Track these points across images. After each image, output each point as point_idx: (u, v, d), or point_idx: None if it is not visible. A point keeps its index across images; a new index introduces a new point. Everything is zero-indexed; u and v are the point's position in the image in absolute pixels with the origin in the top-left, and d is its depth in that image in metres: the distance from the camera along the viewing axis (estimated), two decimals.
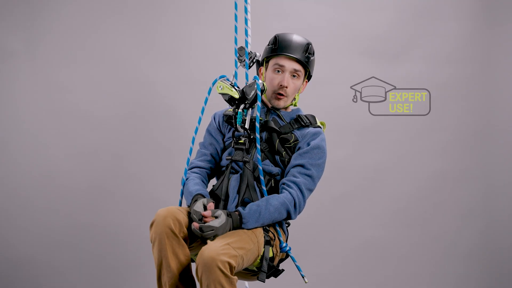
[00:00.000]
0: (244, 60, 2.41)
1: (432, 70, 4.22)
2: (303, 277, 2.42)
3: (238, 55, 2.43)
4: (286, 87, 2.41)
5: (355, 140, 4.23)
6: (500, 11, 4.23)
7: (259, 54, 2.49)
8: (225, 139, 2.50)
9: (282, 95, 2.43)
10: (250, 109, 2.35)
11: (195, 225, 2.14)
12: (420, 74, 4.21)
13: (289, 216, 2.33)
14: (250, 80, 2.35)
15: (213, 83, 2.41)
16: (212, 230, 2.13)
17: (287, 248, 2.37)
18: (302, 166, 2.35)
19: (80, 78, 4.09)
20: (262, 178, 2.31)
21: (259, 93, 2.29)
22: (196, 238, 2.27)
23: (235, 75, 2.48)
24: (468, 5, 4.24)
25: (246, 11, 2.40)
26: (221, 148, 2.50)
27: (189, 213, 2.24)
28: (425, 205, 4.24)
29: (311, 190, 2.38)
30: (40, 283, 4.00)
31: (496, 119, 4.26)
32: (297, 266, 2.43)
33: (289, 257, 2.43)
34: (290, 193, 2.31)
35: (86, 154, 4.08)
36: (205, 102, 2.48)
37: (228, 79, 2.36)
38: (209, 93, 2.46)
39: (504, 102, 4.24)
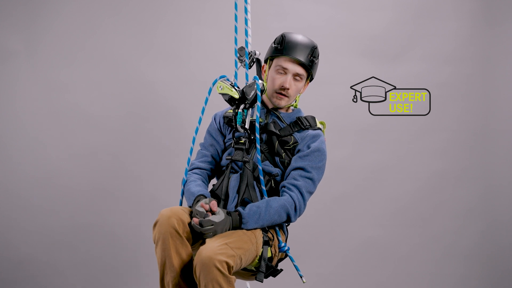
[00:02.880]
0: (244, 60, 2.40)
1: (432, 70, 4.22)
2: (301, 277, 2.43)
3: (238, 55, 2.43)
4: (288, 89, 2.41)
5: (355, 140, 4.23)
6: (500, 11, 4.23)
7: (259, 52, 2.48)
8: (225, 140, 2.50)
9: (283, 95, 2.43)
10: (250, 109, 2.35)
11: (195, 220, 2.14)
12: (420, 74, 4.21)
13: (289, 219, 2.33)
14: (250, 80, 2.35)
15: (213, 83, 2.41)
16: (212, 225, 2.13)
17: (286, 248, 2.37)
18: (302, 169, 2.35)
19: (80, 78, 4.09)
20: (261, 178, 2.31)
21: (259, 93, 2.29)
22: (198, 238, 2.27)
23: (235, 75, 2.48)
24: (468, 5, 4.24)
25: (246, 11, 2.40)
26: (222, 149, 2.50)
27: (191, 213, 2.25)
28: (425, 205, 4.24)
29: (311, 193, 2.38)
30: (40, 283, 4.00)
31: (496, 119, 4.25)
32: (295, 266, 2.43)
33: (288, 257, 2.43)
34: (290, 196, 2.31)
35: (86, 154, 4.08)
36: (206, 102, 2.48)
37: (228, 79, 2.36)
38: (209, 93, 2.45)
39: (504, 102, 4.24)
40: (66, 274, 4.03)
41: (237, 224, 2.22)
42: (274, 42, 2.46)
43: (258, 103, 2.28)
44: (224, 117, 2.44)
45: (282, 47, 2.40)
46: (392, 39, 4.21)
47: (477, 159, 4.26)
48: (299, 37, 2.42)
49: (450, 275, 4.22)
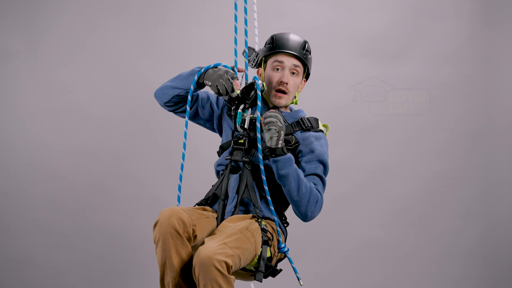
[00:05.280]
0: (245, 61, 2.41)
1: (432, 70, 4.22)
2: (298, 280, 2.42)
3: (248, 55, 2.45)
4: (287, 83, 2.41)
5: (355, 140, 4.23)
6: (500, 11, 4.24)
7: None
8: (222, 136, 2.51)
9: (283, 92, 2.43)
10: (250, 109, 2.35)
11: (236, 83, 2.24)
12: (420, 74, 4.22)
13: (314, 208, 2.33)
14: (250, 81, 2.35)
15: None
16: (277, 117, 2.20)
17: (285, 250, 2.36)
18: (312, 173, 2.37)
19: (80, 78, 4.09)
20: (264, 177, 2.30)
21: (259, 93, 2.28)
22: (200, 235, 2.25)
23: None
24: (468, 5, 4.25)
25: (245, 11, 2.40)
26: (207, 102, 2.52)
27: (191, 212, 2.23)
28: (425, 205, 4.24)
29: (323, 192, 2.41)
30: (40, 283, 4.00)
31: (496, 118, 4.26)
32: (293, 268, 2.42)
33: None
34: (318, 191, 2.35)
35: (86, 154, 4.08)
36: None
37: None
38: None
39: (503, 102, 4.25)
40: (66, 274, 4.03)
41: (281, 153, 2.25)
42: (265, 44, 2.49)
43: (259, 103, 2.28)
44: (226, 106, 2.47)
45: (274, 45, 2.44)
46: (392, 39, 4.21)
47: (477, 159, 4.26)
48: (289, 34, 2.47)
49: (450, 275, 4.22)
